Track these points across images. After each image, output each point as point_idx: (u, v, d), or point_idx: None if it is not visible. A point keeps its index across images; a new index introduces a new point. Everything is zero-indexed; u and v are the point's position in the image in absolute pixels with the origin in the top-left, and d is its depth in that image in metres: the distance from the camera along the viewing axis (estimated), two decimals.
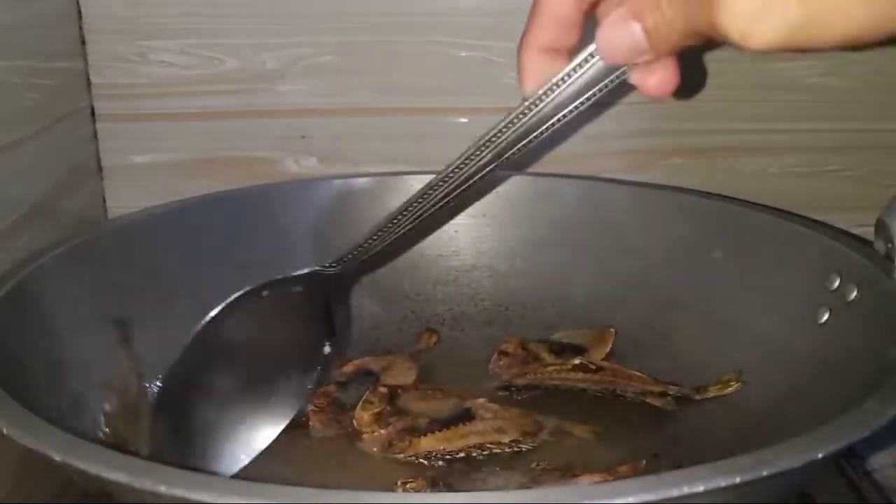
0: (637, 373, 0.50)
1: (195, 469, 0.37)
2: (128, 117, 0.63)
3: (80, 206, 0.61)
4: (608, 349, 0.53)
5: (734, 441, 0.44)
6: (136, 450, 0.42)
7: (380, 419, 0.47)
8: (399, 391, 0.49)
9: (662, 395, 0.49)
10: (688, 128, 0.65)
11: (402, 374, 0.52)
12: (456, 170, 0.38)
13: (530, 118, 0.36)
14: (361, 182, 0.60)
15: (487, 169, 0.38)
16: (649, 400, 0.49)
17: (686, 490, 0.27)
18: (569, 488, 0.39)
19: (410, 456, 0.45)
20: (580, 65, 0.34)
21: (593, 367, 0.51)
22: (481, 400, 0.48)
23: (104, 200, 0.65)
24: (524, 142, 0.37)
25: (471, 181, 0.39)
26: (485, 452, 0.45)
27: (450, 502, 0.31)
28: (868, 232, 0.47)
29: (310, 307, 0.45)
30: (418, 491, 0.41)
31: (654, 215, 0.57)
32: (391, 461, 0.45)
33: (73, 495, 0.41)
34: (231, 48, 0.62)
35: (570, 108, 0.35)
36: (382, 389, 0.49)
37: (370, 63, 0.63)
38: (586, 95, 0.35)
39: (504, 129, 0.37)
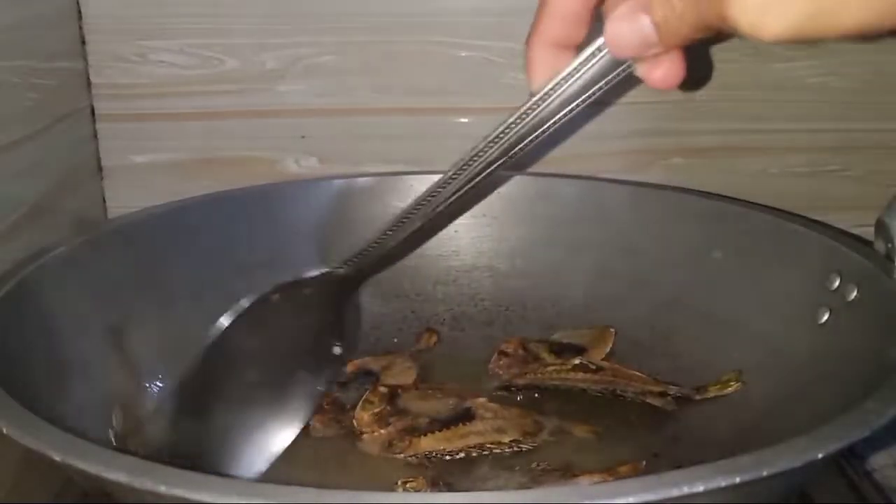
0: (637, 373, 0.50)
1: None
2: (128, 117, 0.63)
3: (80, 206, 0.61)
4: (608, 349, 0.53)
5: (734, 441, 0.44)
6: (139, 450, 0.43)
7: (380, 419, 0.47)
8: (399, 391, 0.49)
9: (662, 395, 0.49)
10: (688, 128, 0.65)
11: (402, 374, 0.52)
12: (464, 167, 0.38)
13: (538, 113, 0.36)
14: (362, 182, 0.60)
15: (495, 166, 0.38)
16: (649, 400, 0.49)
17: (686, 490, 0.27)
18: (569, 488, 0.39)
19: (410, 456, 0.45)
20: (588, 59, 0.34)
21: (593, 367, 0.51)
22: (481, 400, 0.48)
23: (104, 200, 0.65)
24: (531, 138, 0.37)
25: (478, 178, 0.39)
26: (485, 452, 0.45)
27: (450, 502, 0.31)
28: (868, 232, 0.47)
29: (320, 309, 0.45)
30: (418, 491, 0.41)
31: (654, 215, 0.57)
32: (391, 461, 0.45)
33: (73, 495, 0.41)
34: (231, 48, 0.62)
35: (576, 103, 0.35)
36: (382, 389, 0.49)
37: (370, 63, 0.63)
38: (592, 90, 0.35)
39: (512, 126, 0.36)
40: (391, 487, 0.42)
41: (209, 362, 0.41)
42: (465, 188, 0.39)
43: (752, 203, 0.56)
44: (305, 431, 0.46)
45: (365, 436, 0.46)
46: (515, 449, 0.45)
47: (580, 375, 0.50)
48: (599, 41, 0.34)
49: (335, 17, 0.62)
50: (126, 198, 0.64)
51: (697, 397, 0.48)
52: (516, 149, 0.37)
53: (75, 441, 0.31)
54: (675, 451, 0.45)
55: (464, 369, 0.53)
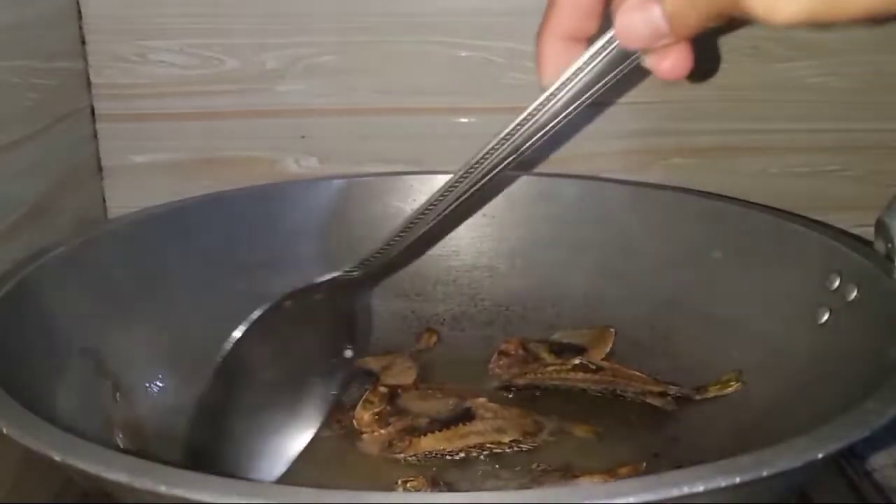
0: (637, 373, 0.50)
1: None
2: (128, 117, 0.63)
3: (80, 206, 0.61)
4: (608, 349, 0.53)
5: (734, 441, 0.44)
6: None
7: (380, 419, 0.47)
8: (399, 391, 0.49)
9: (662, 395, 0.49)
10: (688, 128, 0.65)
11: (402, 374, 0.52)
12: (476, 165, 0.38)
13: (550, 108, 0.36)
14: (362, 182, 0.60)
15: (504, 164, 0.38)
16: (649, 400, 0.49)
17: (686, 490, 0.27)
18: (569, 488, 0.39)
19: (410, 456, 0.45)
20: (599, 51, 0.34)
21: (593, 367, 0.51)
22: (481, 400, 0.48)
23: (104, 200, 0.65)
24: (541, 133, 0.36)
25: (488, 177, 0.38)
26: (485, 452, 0.45)
27: (450, 502, 0.31)
28: (868, 232, 0.47)
29: (332, 313, 0.45)
30: (418, 491, 0.41)
31: (654, 215, 0.57)
32: (391, 461, 0.45)
33: (73, 495, 0.41)
34: (231, 48, 0.62)
35: (585, 97, 0.35)
36: (382, 389, 0.49)
37: (370, 63, 0.63)
38: (601, 83, 0.35)
39: (525, 122, 0.36)
40: (391, 487, 0.42)
41: (225, 373, 0.41)
42: (476, 187, 0.39)
43: (752, 203, 0.56)
44: None
45: (365, 436, 0.46)
46: (515, 449, 0.45)
47: (580, 375, 0.50)
48: (610, 33, 0.33)
49: (335, 17, 0.62)
50: (126, 198, 0.64)
51: (697, 397, 0.48)
52: (527, 145, 0.37)
53: (75, 441, 0.31)
54: (675, 451, 0.45)
55: (464, 369, 0.53)
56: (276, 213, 0.57)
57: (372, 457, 0.45)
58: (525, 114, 0.36)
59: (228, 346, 0.41)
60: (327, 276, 0.45)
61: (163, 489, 0.28)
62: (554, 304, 0.58)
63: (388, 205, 0.59)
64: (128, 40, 0.62)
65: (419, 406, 0.48)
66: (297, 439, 0.43)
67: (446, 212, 0.40)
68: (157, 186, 0.63)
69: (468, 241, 0.60)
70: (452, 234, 0.59)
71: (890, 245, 0.44)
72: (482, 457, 0.45)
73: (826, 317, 0.46)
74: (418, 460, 0.45)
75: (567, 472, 0.43)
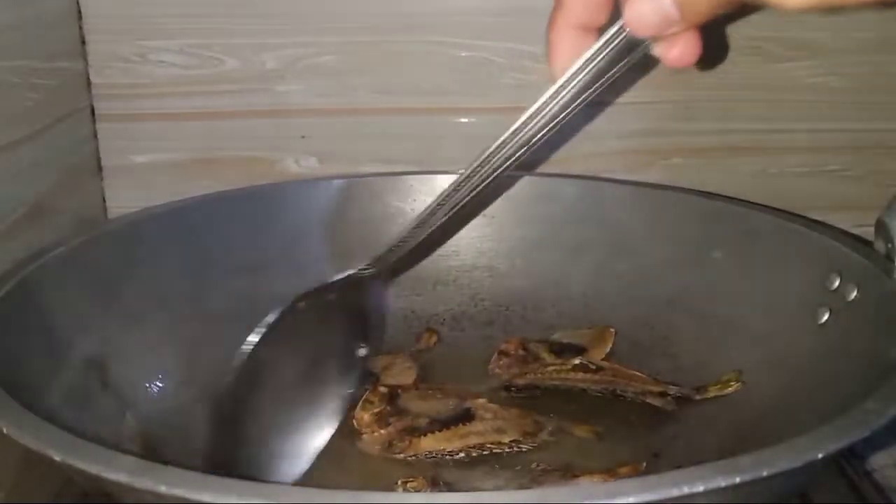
0: (637, 373, 0.50)
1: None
2: (128, 117, 0.63)
3: (80, 206, 0.61)
4: (608, 349, 0.53)
5: (734, 441, 0.44)
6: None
7: (380, 419, 0.47)
8: (399, 391, 0.49)
9: (662, 395, 0.49)
10: (688, 128, 0.65)
11: (402, 374, 0.52)
12: (490, 156, 0.38)
13: (560, 100, 0.36)
14: (362, 182, 0.60)
15: (518, 154, 0.38)
16: (649, 400, 0.49)
17: (686, 490, 0.27)
18: (569, 488, 0.39)
19: (410, 456, 0.45)
20: (609, 41, 0.34)
21: (593, 367, 0.51)
22: (481, 400, 0.48)
23: (104, 200, 0.65)
24: (551, 126, 0.36)
25: (502, 168, 0.38)
26: (485, 452, 0.45)
27: (450, 502, 0.31)
28: (868, 232, 0.47)
29: (346, 313, 0.45)
30: (418, 491, 0.41)
31: (654, 215, 0.57)
32: (391, 461, 0.45)
33: (73, 495, 0.41)
34: (231, 48, 0.62)
35: (595, 87, 0.35)
36: (382, 389, 0.49)
37: (370, 63, 0.63)
38: (611, 73, 0.35)
39: (537, 112, 0.36)
40: (391, 487, 0.42)
41: (243, 379, 0.41)
42: (490, 179, 0.39)
43: (752, 203, 0.56)
44: None
45: (365, 436, 0.46)
46: (515, 449, 0.45)
47: (580, 375, 0.50)
48: (620, 22, 0.33)
49: (335, 17, 0.62)
50: (126, 198, 0.64)
51: (697, 397, 0.48)
52: (539, 136, 0.37)
53: (75, 441, 0.31)
54: (675, 451, 0.45)
55: (464, 369, 0.53)
56: (276, 213, 0.57)
57: (372, 457, 0.45)
58: (537, 105, 0.36)
59: (245, 349, 0.41)
60: (341, 275, 0.45)
61: (163, 489, 0.28)
62: (554, 304, 0.58)
63: (388, 205, 0.59)
64: (128, 40, 0.62)
65: (419, 406, 0.48)
66: (315, 437, 0.43)
67: (460, 205, 0.40)
68: (157, 186, 0.63)
69: (468, 241, 0.60)
70: (452, 234, 0.59)
71: (890, 245, 0.44)
72: (482, 457, 0.45)
73: (826, 317, 0.46)
74: (418, 460, 0.45)
75: (567, 472, 0.43)
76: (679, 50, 0.34)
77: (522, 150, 0.37)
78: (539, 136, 0.37)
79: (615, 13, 0.34)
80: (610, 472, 0.42)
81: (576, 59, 0.35)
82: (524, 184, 0.59)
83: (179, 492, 0.28)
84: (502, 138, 0.37)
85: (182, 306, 0.51)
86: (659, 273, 0.55)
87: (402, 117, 0.64)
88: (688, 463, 0.29)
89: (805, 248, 0.49)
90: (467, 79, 0.63)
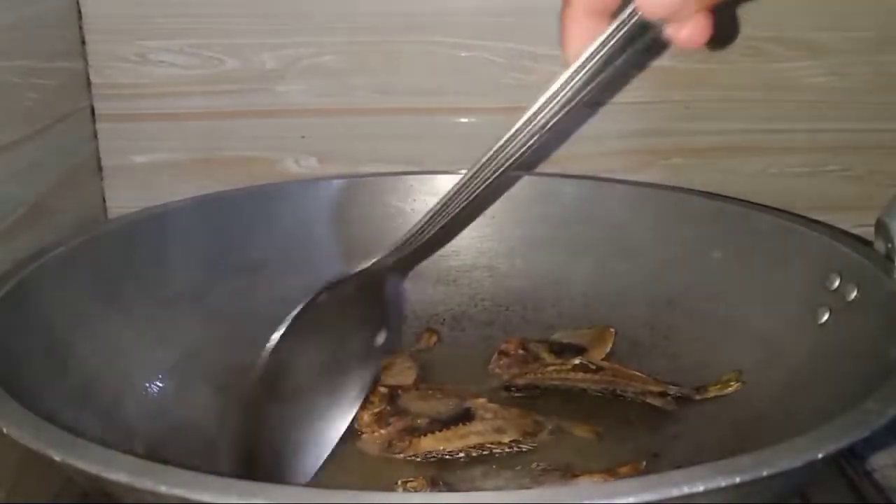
0: (637, 373, 0.50)
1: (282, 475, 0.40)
2: (128, 117, 0.63)
3: (80, 206, 0.61)
4: (608, 349, 0.53)
5: (734, 441, 0.44)
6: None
7: (380, 419, 0.47)
8: (399, 391, 0.49)
9: (662, 395, 0.49)
10: (688, 128, 0.65)
11: (402, 374, 0.52)
12: (505, 145, 0.38)
13: (575, 84, 0.36)
14: (362, 182, 0.60)
15: (531, 143, 0.38)
16: (649, 400, 0.49)
17: (686, 490, 0.27)
18: (569, 488, 0.39)
19: (410, 456, 0.45)
20: (621, 25, 0.34)
21: (593, 367, 0.51)
22: (481, 400, 0.48)
23: (104, 200, 0.65)
24: (566, 109, 0.36)
25: (516, 157, 0.38)
26: (485, 452, 0.45)
27: (450, 502, 0.31)
28: (868, 232, 0.47)
29: (365, 304, 0.46)
30: (418, 491, 0.41)
31: (654, 215, 0.57)
32: (391, 461, 0.45)
33: (73, 495, 0.41)
34: (231, 48, 0.62)
35: (607, 71, 0.35)
36: (382, 389, 0.49)
37: (370, 63, 0.63)
38: (622, 58, 0.35)
39: (553, 97, 0.36)
40: (391, 487, 0.42)
41: (268, 371, 0.41)
42: (507, 166, 0.39)
43: (752, 203, 0.56)
44: None
45: (365, 436, 0.46)
46: (515, 449, 0.45)
47: (580, 375, 0.50)
48: (632, 5, 0.33)
49: (335, 17, 0.62)
50: (126, 198, 0.64)
51: (697, 397, 0.48)
52: (553, 121, 0.37)
53: (75, 441, 0.31)
54: (675, 451, 0.45)
55: (464, 369, 0.53)
56: (276, 213, 0.57)
57: (372, 457, 0.45)
58: (553, 89, 0.36)
59: (269, 345, 0.41)
60: (360, 267, 0.45)
61: (163, 489, 0.28)
62: (554, 304, 0.58)
63: (388, 205, 0.59)
64: (128, 40, 0.62)
65: (419, 406, 0.48)
66: (337, 424, 0.44)
67: (474, 196, 0.40)
68: (157, 186, 0.63)
69: (468, 241, 0.60)
70: (454, 235, 0.59)
71: (890, 245, 0.44)
72: (482, 457, 0.45)
73: (826, 317, 0.46)
74: (418, 460, 0.45)
75: (567, 472, 0.43)
76: (689, 31, 0.34)
77: (540, 134, 0.37)
78: (555, 119, 0.37)
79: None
80: (610, 472, 0.42)
81: (589, 45, 0.35)
82: (524, 184, 0.59)
83: (179, 492, 0.28)
84: (521, 121, 0.37)
85: (182, 306, 0.51)
86: (659, 273, 0.55)
87: (402, 117, 0.64)
88: (688, 463, 0.29)
89: (805, 248, 0.49)
90: (467, 79, 0.63)
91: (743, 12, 0.62)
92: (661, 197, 0.57)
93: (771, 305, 0.49)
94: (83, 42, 0.61)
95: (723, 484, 0.27)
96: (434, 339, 0.56)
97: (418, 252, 0.45)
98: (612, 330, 0.54)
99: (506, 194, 0.59)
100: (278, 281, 0.52)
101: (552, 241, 0.58)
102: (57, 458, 0.30)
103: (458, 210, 0.41)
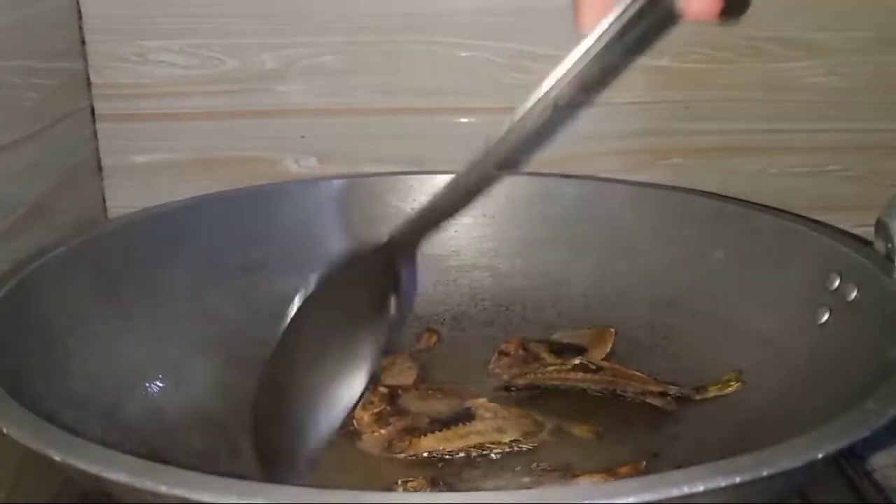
0: (637, 373, 0.50)
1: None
2: (128, 117, 0.63)
3: (80, 206, 0.61)
4: (608, 349, 0.53)
5: (734, 441, 0.44)
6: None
7: (380, 419, 0.47)
8: (399, 391, 0.49)
9: (662, 395, 0.49)
10: (688, 128, 0.65)
11: (402, 374, 0.52)
12: (527, 114, 0.38)
13: (587, 57, 0.36)
14: (362, 182, 0.60)
15: (549, 114, 0.38)
16: (649, 400, 0.49)
17: (686, 490, 0.27)
18: (569, 488, 0.39)
19: (410, 456, 0.45)
20: None
21: (593, 367, 0.51)
22: (481, 400, 0.48)
23: (104, 200, 0.65)
24: (579, 82, 0.36)
25: (536, 127, 0.38)
26: (485, 452, 0.45)
27: (450, 502, 0.31)
28: (868, 232, 0.47)
29: (379, 275, 0.45)
30: (418, 491, 0.41)
31: (653, 215, 0.57)
32: (391, 461, 0.45)
33: (73, 495, 0.41)
34: (231, 48, 0.62)
35: (618, 47, 0.35)
36: (382, 389, 0.49)
37: (370, 63, 0.63)
38: (632, 33, 0.35)
39: (570, 69, 0.36)
40: (391, 487, 0.42)
41: (285, 343, 0.42)
42: (521, 140, 0.39)
43: (752, 203, 0.56)
44: None
45: (365, 436, 0.46)
46: (515, 449, 0.45)
47: (580, 375, 0.50)
48: None
49: (335, 17, 0.62)
50: (126, 198, 0.64)
51: (697, 397, 0.48)
52: (566, 94, 0.37)
53: (75, 441, 0.31)
54: (675, 451, 0.45)
55: (464, 369, 0.53)
56: (276, 213, 0.57)
57: (372, 457, 0.45)
58: (569, 61, 0.36)
59: (287, 317, 0.42)
60: (373, 240, 0.45)
61: (163, 489, 0.28)
62: (554, 304, 0.58)
63: (388, 205, 0.59)
64: (128, 40, 0.62)
65: (419, 406, 0.48)
66: (350, 391, 0.43)
67: (490, 170, 0.40)
68: (156, 186, 0.63)
69: (468, 241, 0.60)
70: (452, 234, 0.59)
71: (890, 245, 0.44)
72: (482, 457, 0.45)
73: (826, 317, 0.46)
74: (418, 460, 0.45)
75: (567, 472, 0.43)
76: (699, 3, 0.34)
77: (553, 109, 0.37)
78: (569, 94, 0.37)
79: None
80: (610, 472, 0.42)
81: (602, 18, 0.35)
82: (524, 184, 0.59)
83: (179, 492, 0.28)
84: (545, 88, 0.37)
85: (182, 306, 0.51)
86: (659, 273, 0.55)
87: (402, 117, 0.64)
88: (688, 463, 0.29)
89: (805, 248, 0.49)
90: (467, 79, 0.63)
91: None
92: (661, 197, 0.57)
93: (771, 305, 0.49)
94: (83, 42, 0.61)
95: (723, 484, 0.27)
96: (434, 339, 0.56)
97: (432, 222, 0.45)
98: (612, 330, 0.54)
99: (506, 194, 0.59)
100: (278, 281, 0.52)
101: (552, 241, 0.58)
102: (57, 458, 0.30)
103: (477, 183, 0.41)
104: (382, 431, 0.46)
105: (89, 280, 0.47)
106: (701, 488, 0.27)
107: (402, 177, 0.59)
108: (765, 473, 0.28)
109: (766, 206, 0.55)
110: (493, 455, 0.45)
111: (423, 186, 0.59)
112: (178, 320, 0.50)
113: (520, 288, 0.59)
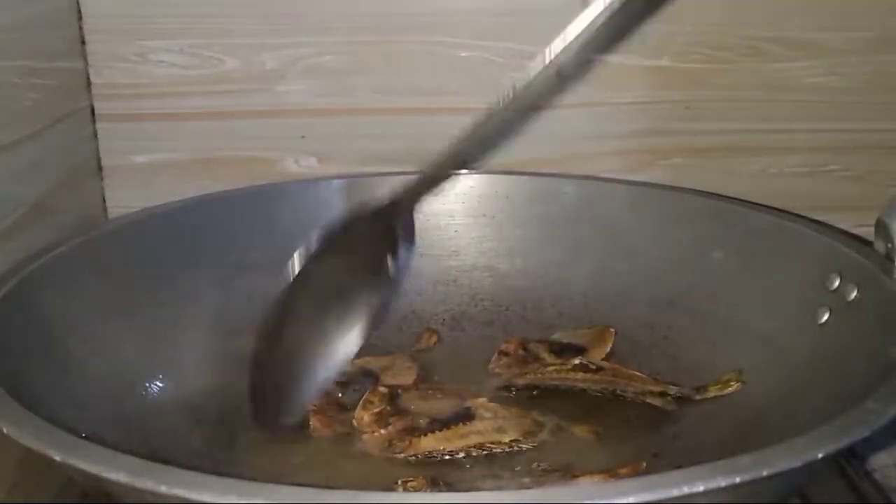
0: (637, 373, 0.50)
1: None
2: (128, 117, 0.63)
3: (80, 206, 0.61)
4: (608, 349, 0.53)
5: (734, 441, 0.44)
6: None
7: (380, 419, 0.47)
8: (399, 391, 0.49)
9: (662, 395, 0.49)
10: (688, 128, 0.65)
11: (402, 374, 0.52)
12: (539, 75, 0.38)
13: (594, 23, 0.36)
14: (362, 182, 0.60)
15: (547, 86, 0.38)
16: (649, 400, 0.49)
17: (686, 490, 0.27)
18: (569, 488, 0.39)
19: (410, 456, 0.45)
20: None
21: (593, 367, 0.51)
22: (481, 400, 0.48)
23: (104, 200, 0.65)
24: (588, 43, 0.36)
25: (540, 93, 0.39)
26: (485, 452, 0.45)
27: (450, 502, 0.31)
28: (868, 232, 0.47)
29: (377, 234, 0.46)
30: (418, 491, 0.41)
31: (654, 215, 0.57)
32: (391, 461, 0.45)
33: (73, 495, 0.41)
34: (231, 48, 0.62)
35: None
36: (382, 389, 0.49)
37: (370, 63, 0.63)
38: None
39: (581, 33, 0.36)
40: (391, 487, 0.42)
41: (285, 298, 0.43)
42: (519, 111, 0.39)
43: (752, 203, 0.56)
44: (305, 431, 0.47)
45: (365, 436, 0.46)
46: (515, 449, 0.45)
47: (580, 375, 0.50)
48: None
49: (335, 17, 0.62)
50: (126, 198, 0.64)
51: (697, 397, 0.48)
52: (569, 71, 0.37)
53: (75, 441, 0.31)
54: (675, 451, 0.45)
55: (464, 369, 0.53)
56: (276, 213, 0.57)
57: (372, 457, 0.45)
58: (581, 24, 0.36)
59: (289, 271, 0.42)
60: (373, 202, 0.46)
61: (163, 489, 0.28)
62: (554, 304, 0.58)
63: None
64: (128, 40, 0.62)
65: (419, 406, 0.48)
66: (347, 344, 0.44)
67: (488, 137, 0.40)
68: (156, 186, 0.63)
69: (468, 241, 0.60)
70: (452, 234, 0.59)
71: (890, 245, 0.44)
72: (482, 457, 0.45)
73: (826, 317, 0.46)
74: (418, 460, 0.45)
75: (567, 472, 0.43)
76: None
77: (559, 78, 0.38)
78: (573, 62, 0.37)
79: None
80: (610, 472, 0.42)
81: None
82: (524, 184, 0.59)
83: (179, 492, 0.28)
84: (545, 62, 0.37)
85: (182, 306, 0.51)
86: (659, 273, 0.55)
87: (403, 117, 0.64)
88: (688, 463, 0.29)
89: (805, 248, 0.49)
90: (467, 79, 0.63)
91: (743, 12, 0.62)
92: (661, 197, 0.57)
93: (771, 305, 0.49)
94: (83, 42, 0.62)
95: (723, 484, 0.27)
96: (434, 339, 0.56)
97: (432, 183, 0.45)
98: (612, 330, 0.54)
99: (506, 194, 0.59)
100: (278, 281, 0.52)
101: (552, 241, 0.58)
102: (57, 458, 0.30)
103: (467, 149, 0.41)
104: (382, 431, 0.46)
105: (89, 280, 0.47)
106: (701, 488, 0.27)
107: (402, 177, 0.59)
108: (765, 473, 0.28)
109: (765, 206, 0.55)
110: (493, 455, 0.45)
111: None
112: (178, 320, 0.50)
113: (520, 288, 0.59)
